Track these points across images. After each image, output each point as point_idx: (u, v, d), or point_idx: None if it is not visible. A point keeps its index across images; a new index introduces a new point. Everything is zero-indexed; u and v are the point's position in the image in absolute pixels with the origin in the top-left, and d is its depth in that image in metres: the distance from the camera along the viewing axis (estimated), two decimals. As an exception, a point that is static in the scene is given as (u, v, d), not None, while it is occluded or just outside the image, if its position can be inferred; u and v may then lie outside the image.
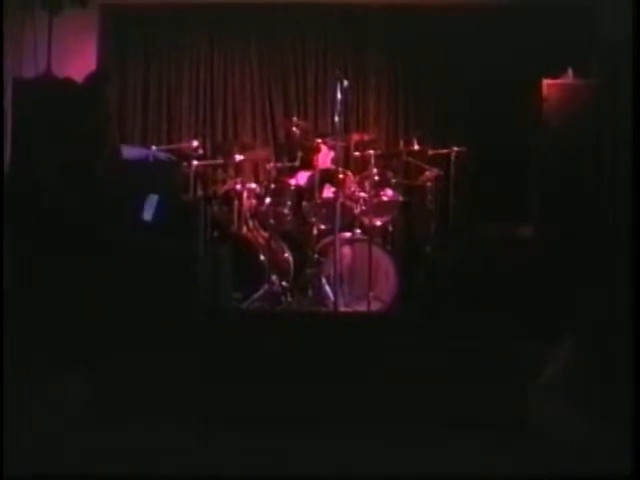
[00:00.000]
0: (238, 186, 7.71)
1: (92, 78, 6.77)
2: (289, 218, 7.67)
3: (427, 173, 7.99)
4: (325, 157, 7.94)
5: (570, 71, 7.27)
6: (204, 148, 8.06)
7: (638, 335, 4.70)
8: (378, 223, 7.68)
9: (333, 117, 7.13)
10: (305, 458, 4.30)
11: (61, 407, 5.01)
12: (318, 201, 7.52)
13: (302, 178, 7.87)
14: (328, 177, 7.60)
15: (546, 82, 7.21)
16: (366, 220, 7.54)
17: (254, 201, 7.75)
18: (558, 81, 7.26)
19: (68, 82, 6.71)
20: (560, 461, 4.29)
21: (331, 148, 7.90)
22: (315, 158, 7.72)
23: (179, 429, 4.61)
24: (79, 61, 7.85)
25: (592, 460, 4.27)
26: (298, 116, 8.54)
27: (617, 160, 6.05)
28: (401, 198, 7.79)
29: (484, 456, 4.36)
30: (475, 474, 4.15)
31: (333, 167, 7.72)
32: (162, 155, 7.63)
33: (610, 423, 4.70)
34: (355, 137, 7.88)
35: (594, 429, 4.70)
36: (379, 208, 7.62)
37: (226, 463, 4.21)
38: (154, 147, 7.76)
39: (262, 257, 7.41)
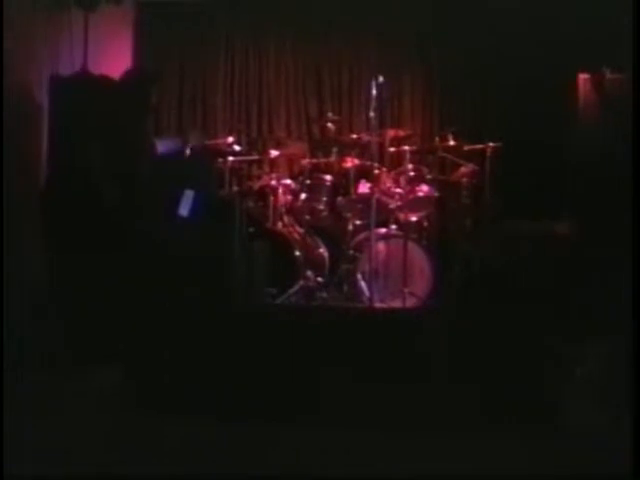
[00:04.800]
0: (273, 182, 7.73)
1: (135, 78, 6.80)
2: (324, 214, 7.70)
3: (462, 169, 7.95)
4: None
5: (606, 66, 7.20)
6: (239, 144, 8.06)
7: (638, 335, 4.66)
8: (413, 219, 7.67)
9: (368, 113, 7.13)
10: (299, 457, 4.34)
11: (63, 406, 5.05)
12: (353, 197, 7.54)
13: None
14: (364, 173, 7.60)
15: (582, 77, 7.15)
16: (401, 216, 7.53)
17: (289, 197, 7.76)
18: (594, 76, 7.18)
19: (107, 80, 6.76)
20: (560, 461, 4.29)
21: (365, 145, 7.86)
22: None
23: (190, 427, 4.64)
24: (115, 58, 7.89)
25: (592, 460, 4.26)
26: (332, 112, 8.52)
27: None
28: (436, 194, 7.76)
29: (484, 456, 4.37)
30: (475, 474, 4.16)
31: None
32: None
33: (610, 423, 4.68)
34: (390, 133, 7.86)
35: (595, 429, 4.68)
36: (414, 204, 7.61)
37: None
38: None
39: (297, 253, 7.42)
